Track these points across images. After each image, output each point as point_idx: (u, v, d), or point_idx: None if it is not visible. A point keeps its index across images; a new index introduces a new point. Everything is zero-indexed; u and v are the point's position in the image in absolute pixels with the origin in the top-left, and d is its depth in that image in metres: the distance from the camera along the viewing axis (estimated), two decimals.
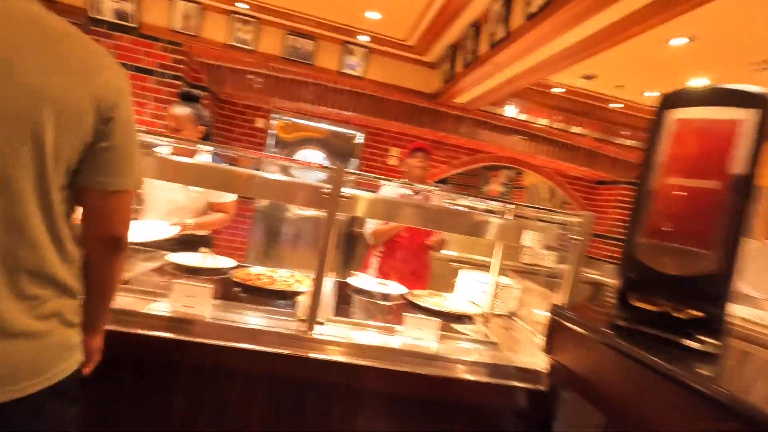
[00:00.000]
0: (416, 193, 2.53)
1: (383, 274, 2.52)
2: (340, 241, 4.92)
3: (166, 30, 3.69)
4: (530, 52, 2.71)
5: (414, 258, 2.57)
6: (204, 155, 2.35)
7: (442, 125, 4.61)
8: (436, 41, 3.64)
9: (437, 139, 5.12)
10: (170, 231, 2.06)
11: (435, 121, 4.59)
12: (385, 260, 2.58)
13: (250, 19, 3.76)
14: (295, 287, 1.77)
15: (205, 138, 2.36)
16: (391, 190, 2.58)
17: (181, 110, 2.22)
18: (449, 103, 4.23)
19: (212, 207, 2.41)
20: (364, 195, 1.48)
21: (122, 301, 1.36)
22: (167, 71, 3.74)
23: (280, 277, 1.90)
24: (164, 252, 2.11)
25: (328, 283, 2.07)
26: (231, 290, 1.73)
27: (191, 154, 2.31)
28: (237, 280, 1.75)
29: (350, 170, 1.45)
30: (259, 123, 4.82)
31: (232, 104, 4.73)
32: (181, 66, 3.76)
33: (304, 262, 5.30)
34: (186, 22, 3.69)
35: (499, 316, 2.02)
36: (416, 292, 2.13)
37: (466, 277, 2.22)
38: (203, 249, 2.09)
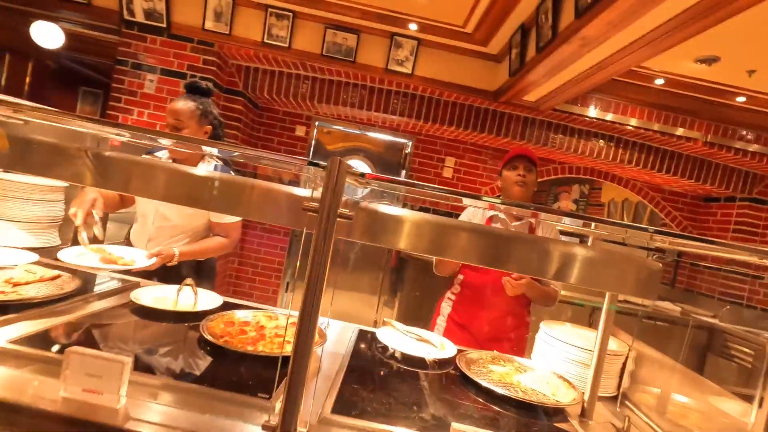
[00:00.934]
0: (516, 218, 1.92)
1: (456, 326, 1.92)
2: (395, 268, 4.33)
3: (197, 29, 3.39)
4: (634, 16, 1.97)
5: (505, 307, 1.89)
6: (209, 162, 1.88)
7: (506, 129, 3.89)
8: (501, 23, 2.98)
9: (499, 147, 4.39)
10: (144, 262, 1.58)
11: (498, 125, 3.89)
12: (461, 306, 1.96)
13: (286, 12, 3.36)
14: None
15: (213, 140, 1.89)
16: (472, 213, 2.00)
17: (184, 104, 1.76)
18: (516, 102, 3.52)
19: (212, 228, 1.92)
20: (385, 211, 0.87)
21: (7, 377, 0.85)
22: (197, 74, 3.42)
23: (274, 330, 1.33)
24: (146, 282, 1.64)
25: (343, 338, 1.46)
26: (195, 351, 1.18)
27: (194, 159, 1.84)
28: (207, 335, 1.19)
29: (385, 176, 0.85)
30: (300, 131, 4.41)
31: (272, 111, 4.37)
32: (213, 68, 3.43)
33: (359, 285, 4.80)
34: (217, 19, 3.36)
35: (603, 398, 1.30)
36: (472, 354, 1.45)
37: (550, 334, 1.51)
38: (188, 281, 1.58)
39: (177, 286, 1.57)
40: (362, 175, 0.85)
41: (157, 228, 1.83)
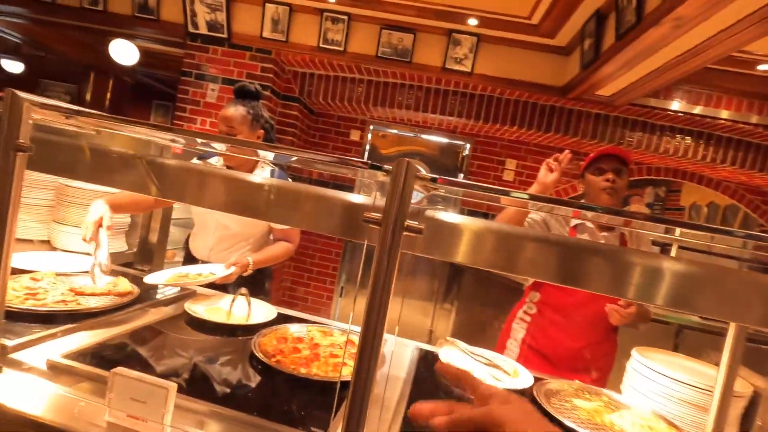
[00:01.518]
0: (605, 229, 1.67)
1: (532, 353, 1.70)
2: (452, 273, 4.15)
3: (255, 38, 3.44)
4: None
5: (593, 333, 1.65)
6: (266, 168, 1.84)
7: (575, 128, 3.58)
8: (571, 11, 2.72)
9: (566, 147, 4.05)
10: (222, 273, 1.55)
11: (565, 123, 3.58)
12: (538, 330, 1.73)
13: (341, 16, 3.31)
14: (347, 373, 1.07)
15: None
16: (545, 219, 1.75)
17: (234, 110, 1.73)
18: (587, 97, 3.21)
19: (274, 234, 1.87)
20: (463, 222, 0.73)
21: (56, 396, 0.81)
22: (255, 81, 3.46)
23: (329, 349, 1.22)
24: (203, 291, 1.62)
25: (401, 358, 1.32)
26: (247, 370, 1.10)
27: (249, 165, 1.81)
28: (259, 353, 1.11)
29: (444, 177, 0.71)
30: (354, 135, 4.36)
31: (326, 116, 4.36)
32: (270, 75, 3.47)
33: (411, 290, 4.67)
34: (275, 27, 3.39)
35: None
36: (552, 384, 1.25)
37: (648, 366, 1.27)
38: (242, 290, 1.53)
39: (231, 296, 1.52)
40: (433, 179, 0.71)
41: (218, 237, 1.81)
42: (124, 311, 1.30)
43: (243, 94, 1.76)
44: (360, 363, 0.68)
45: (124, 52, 4.44)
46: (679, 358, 1.40)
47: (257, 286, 1.86)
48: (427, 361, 1.36)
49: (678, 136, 3.52)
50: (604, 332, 1.66)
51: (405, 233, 0.67)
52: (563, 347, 1.64)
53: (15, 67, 6.46)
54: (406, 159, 0.66)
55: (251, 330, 1.29)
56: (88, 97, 6.45)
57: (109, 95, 6.53)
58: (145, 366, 1.01)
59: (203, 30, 3.48)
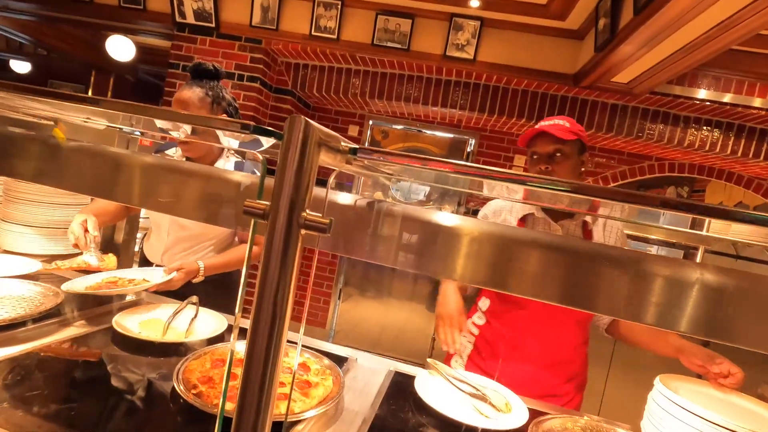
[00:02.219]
0: (563, 216, 1.37)
1: (482, 367, 1.40)
2: None
3: (245, 27, 3.25)
4: None
5: (559, 349, 1.35)
6: (229, 159, 1.62)
7: (588, 120, 3.29)
8: None
9: None
10: (160, 279, 1.33)
11: (578, 115, 3.29)
12: (488, 346, 1.42)
13: (334, 1, 3.09)
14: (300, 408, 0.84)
15: None
16: (497, 209, 1.47)
17: (191, 92, 1.51)
18: (602, 85, 2.92)
19: (241, 237, 1.65)
20: (392, 210, 0.49)
21: None
22: (245, 73, 3.28)
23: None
24: (160, 299, 1.41)
25: (370, 385, 1.07)
26: (167, 408, 0.87)
27: (211, 155, 1.59)
28: (179, 384, 0.88)
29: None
30: (353, 131, 4.14)
31: (323, 111, 4.15)
32: (260, 66, 3.27)
33: (412, 293, 4.42)
34: (264, 14, 3.19)
35: None
36: (553, 422, 1.00)
37: (676, 402, 1.01)
38: (193, 299, 1.31)
39: (174, 305, 1.31)
40: (353, 150, 0.48)
41: (174, 239, 1.59)
42: (40, 324, 1.09)
43: (200, 74, 1.55)
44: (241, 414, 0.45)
45: (120, 47, 4.31)
46: (711, 389, 1.13)
47: (221, 293, 1.64)
48: (400, 389, 1.11)
49: (705, 128, 3.19)
50: (571, 349, 1.35)
51: (303, 231, 0.44)
52: (518, 369, 1.32)
53: (22, 67, 6.44)
54: (303, 117, 0.43)
55: (190, 349, 1.07)
56: (88, 95, 6.39)
57: (110, 94, 6.46)
58: (21, 401, 0.79)
59: (190, 19, 3.31)
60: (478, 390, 1.10)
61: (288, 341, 1.23)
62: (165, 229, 1.60)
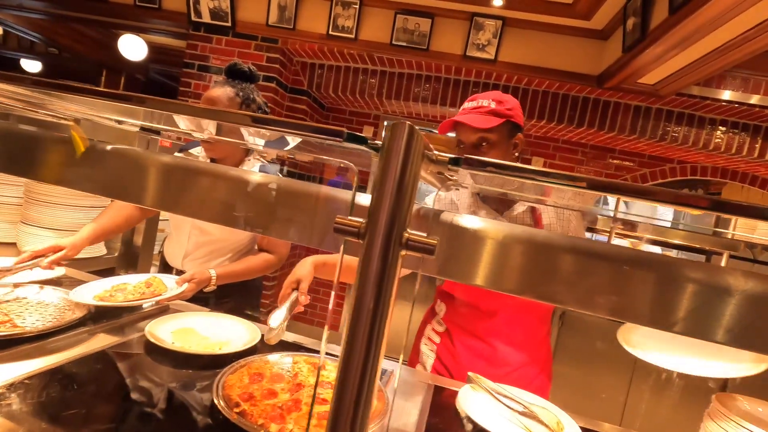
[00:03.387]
0: (509, 204, 1.29)
1: (452, 361, 1.32)
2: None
3: (261, 26, 3.21)
4: None
5: (518, 334, 1.27)
6: (254, 162, 1.58)
7: (611, 122, 3.22)
8: None
9: (599, 144, 3.70)
10: (173, 291, 1.28)
11: (600, 117, 3.23)
12: (448, 352, 1.33)
13: (352, 0, 3.04)
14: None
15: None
16: (438, 199, 1.39)
17: (221, 91, 1.47)
18: (627, 87, 2.85)
19: (258, 242, 1.60)
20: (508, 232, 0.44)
21: None
22: (261, 72, 3.23)
23: (317, 390, 0.94)
24: (184, 306, 1.37)
25: (410, 400, 1.02)
26: (207, 425, 0.83)
27: (235, 156, 1.55)
28: (220, 401, 0.83)
29: None
30: (367, 132, 4.09)
31: (338, 111, 4.10)
32: (276, 66, 3.23)
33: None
34: (281, 13, 3.15)
35: None
36: None
37: (739, 423, 0.95)
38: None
39: (209, 315, 1.27)
40: (454, 160, 0.42)
41: (194, 244, 1.55)
42: (69, 334, 1.05)
43: (234, 74, 1.50)
44: None
45: (132, 47, 4.29)
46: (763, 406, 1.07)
47: (244, 300, 1.60)
48: (442, 407, 1.06)
49: (731, 130, 3.11)
50: (537, 344, 1.30)
51: (404, 252, 0.39)
52: (487, 374, 1.18)
53: (33, 66, 6.44)
54: (408, 123, 0.38)
55: (227, 360, 1.02)
56: None
57: None
58: (57, 422, 0.74)
59: (206, 18, 3.27)
60: (526, 408, 1.04)
61: (327, 354, 1.18)
62: (186, 234, 1.55)
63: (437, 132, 3.86)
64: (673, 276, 0.46)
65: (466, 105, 1.25)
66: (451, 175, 0.46)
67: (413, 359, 1.45)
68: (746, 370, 0.98)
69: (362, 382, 0.40)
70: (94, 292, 1.22)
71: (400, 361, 0.63)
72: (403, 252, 0.39)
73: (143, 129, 1.40)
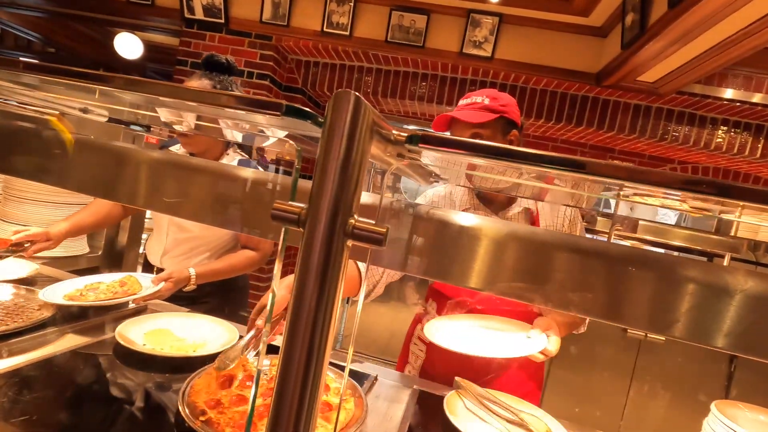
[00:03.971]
0: (507, 203, 1.26)
1: (437, 379, 1.24)
2: None
3: (255, 23, 3.16)
4: None
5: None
6: (229, 155, 1.53)
7: (610, 121, 3.16)
8: None
9: (598, 144, 3.64)
10: (148, 290, 1.23)
11: (599, 116, 3.17)
12: (436, 355, 1.30)
13: None
14: None
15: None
16: (433, 197, 1.34)
17: (197, 83, 1.42)
18: (626, 84, 2.80)
19: (240, 239, 1.55)
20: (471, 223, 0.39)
21: None
22: (254, 70, 3.19)
23: None
24: (163, 306, 1.32)
25: (393, 406, 0.96)
26: None
27: (214, 150, 1.50)
28: (184, 408, 0.78)
29: None
30: None
31: None
32: (270, 63, 3.18)
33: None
34: (275, 10, 3.11)
35: None
36: None
37: (729, 423, 0.89)
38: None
39: (187, 316, 1.21)
40: (412, 138, 0.37)
41: (173, 241, 1.50)
42: (35, 334, 1.00)
43: (211, 66, 1.45)
44: None
45: (128, 45, 4.25)
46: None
47: (228, 299, 1.55)
48: (427, 411, 1.01)
49: (733, 130, 3.05)
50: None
51: (350, 242, 0.34)
52: (478, 378, 1.15)
53: None
54: (353, 92, 0.32)
55: (201, 362, 0.97)
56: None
57: None
58: (13, 426, 0.69)
59: (200, 15, 3.23)
60: (515, 414, 0.99)
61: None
62: (164, 230, 1.50)
63: (432, 130, 3.77)
64: (673, 276, 0.42)
65: (461, 102, 1.23)
66: (413, 157, 0.41)
67: (402, 360, 1.40)
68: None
69: (304, 387, 0.34)
70: (66, 291, 1.17)
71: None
72: (350, 242, 0.34)
73: (111, 119, 1.35)
